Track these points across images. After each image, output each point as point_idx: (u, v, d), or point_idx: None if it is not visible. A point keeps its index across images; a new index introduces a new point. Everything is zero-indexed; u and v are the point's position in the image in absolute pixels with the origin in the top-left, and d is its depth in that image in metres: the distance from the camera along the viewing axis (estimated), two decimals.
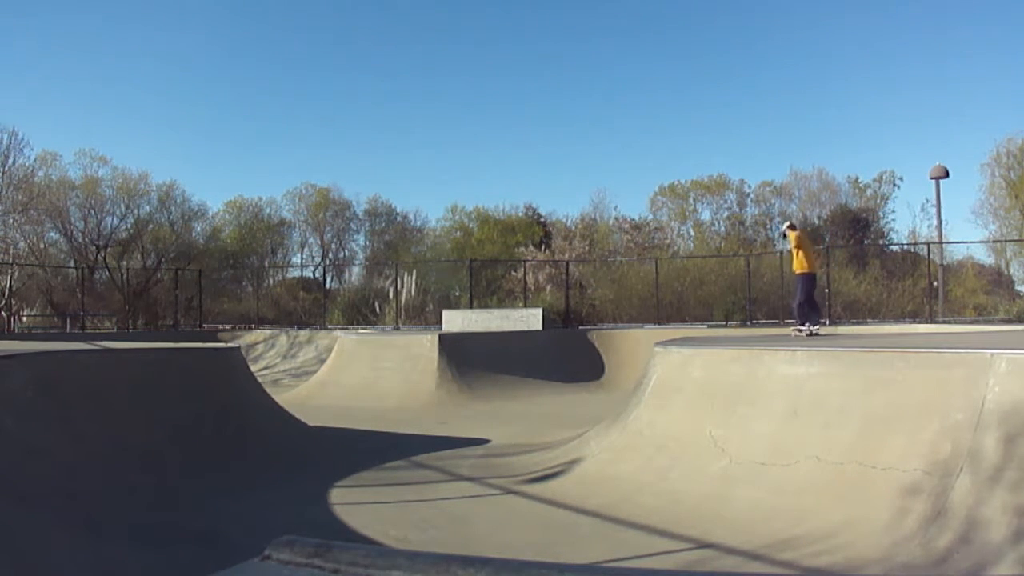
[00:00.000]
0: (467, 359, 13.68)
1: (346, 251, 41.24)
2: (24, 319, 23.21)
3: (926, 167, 27.40)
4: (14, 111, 47.44)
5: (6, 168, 25.21)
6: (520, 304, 21.47)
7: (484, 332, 16.67)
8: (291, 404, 10.08)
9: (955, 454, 4.01)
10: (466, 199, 61.10)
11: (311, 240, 40.83)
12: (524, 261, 25.29)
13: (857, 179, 38.28)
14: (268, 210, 39.47)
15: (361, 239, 41.89)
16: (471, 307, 20.51)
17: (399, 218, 41.57)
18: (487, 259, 28.27)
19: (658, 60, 54.05)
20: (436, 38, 54.66)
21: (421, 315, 22.04)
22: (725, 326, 19.23)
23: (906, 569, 3.57)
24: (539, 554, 4.12)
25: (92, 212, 27.89)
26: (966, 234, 60.85)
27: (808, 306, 11.84)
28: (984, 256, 30.68)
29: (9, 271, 22.60)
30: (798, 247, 11.55)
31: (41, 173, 28.33)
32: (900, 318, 19.11)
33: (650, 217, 38.83)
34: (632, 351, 15.43)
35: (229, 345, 12.21)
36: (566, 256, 26.45)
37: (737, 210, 40.42)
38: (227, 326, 23.56)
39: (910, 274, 22.19)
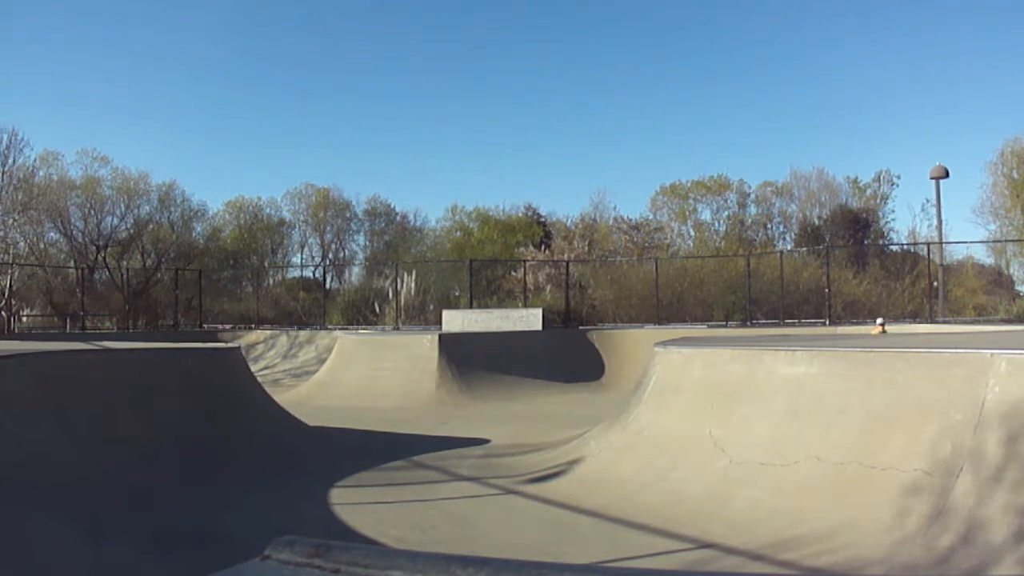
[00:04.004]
0: (467, 359, 13.67)
1: (346, 251, 41.23)
2: (24, 319, 23.20)
3: (926, 167, 27.38)
4: (14, 111, 47.47)
5: (6, 168, 25.24)
6: (520, 304, 21.46)
7: (484, 332, 16.66)
8: (291, 404, 10.08)
9: (955, 454, 4.01)
10: (466, 199, 61.04)
11: (311, 240, 40.81)
12: (524, 261, 25.28)
13: (856, 179, 38.29)
14: (268, 210, 39.46)
15: (361, 239, 41.88)
16: (471, 307, 20.50)
17: (399, 218, 41.56)
18: (487, 259, 28.25)
19: (658, 60, 54.04)
20: (436, 38, 54.65)
21: (421, 315, 22.03)
22: (725, 326, 19.22)
23: (907, 569, 3.56)
24: (539, 554, 4.12)
25: (92, 212, 27.89)
26: (966, 234, 60.85)
27: None
28: (984, 256, 30.68)
29: (9, 271, 22.60)
30: None
31: (41, 173, 28.36)
32: (900, 318, 19.10)
33: (650, 217, 38.83)
34: (632, 351, 15.42)
35: (229, 345, 12.22)
36: (566, 256, 26.44)
37: (737, 210, 40.40)
38: (227, 326, 23.55)
39: (910, 274, 22.19)
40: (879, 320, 15.74)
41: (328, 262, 37.97)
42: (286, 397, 11.53)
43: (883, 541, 3.84)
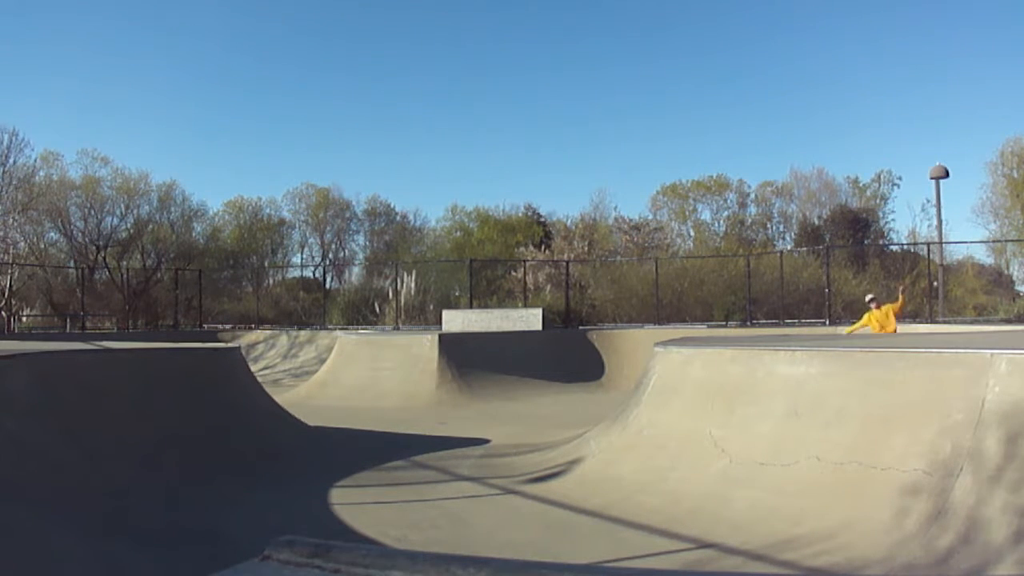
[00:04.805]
0: (467, 359, 13.67)
1: (346, 251, 41.27)
2: (24, 319, 23.21)
3: (926, 167, 27.40)
4: (14, 111, 47.50)
5: (6, 168, 25.24)
6: (520, 304, 21.47)
7: (484, 332, 16.66)
8: (291, 404, 10.08)
9: (955, 454, 4.01)
10: (466, 199, 61.22)
11: (311, 240, 40.86)
12: (524, 261, 25.30)
13: (856, 179, 38.33)
14: (268, 210, 39.51)
15: (361, 239, 41.93)
16: (471, 307, 20.51)
17: (399, 218, 41.61)
18: (487, 259, 28.27)
19: (658, 60, 54.10)
20: (436, 38, 54.71)
21: (421, 315, 22.04)
22: (725, 326, 19.23)
23: (907, 569, 3.56)
24: (539, 554, 4.12)
25: (92, 212, 27.90)
26: (966, 234, 60.93)
27: None
28: (984, 256, 30.70)
29: (9, 271, 22.61)
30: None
31: (42, 173, 28.38)
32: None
33: (650, 217, 38.84)
34: (632, 351, 15.42)
35: (229, 345, 12.21)
36: (566, 256, 26.45)
37: (737, 210, 40.42)
38: (227, 326, 23.56)
39: (910, 274, 22.18)
40: (869, 297, 14.48)
41: (328, 262, 38.00)
42: (286, 397, 11.53)
43: (883, 541, 3.84)
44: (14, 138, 25.27)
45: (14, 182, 25.48)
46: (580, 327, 19.41)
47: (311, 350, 19.31)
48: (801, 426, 4.99)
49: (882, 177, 37.84)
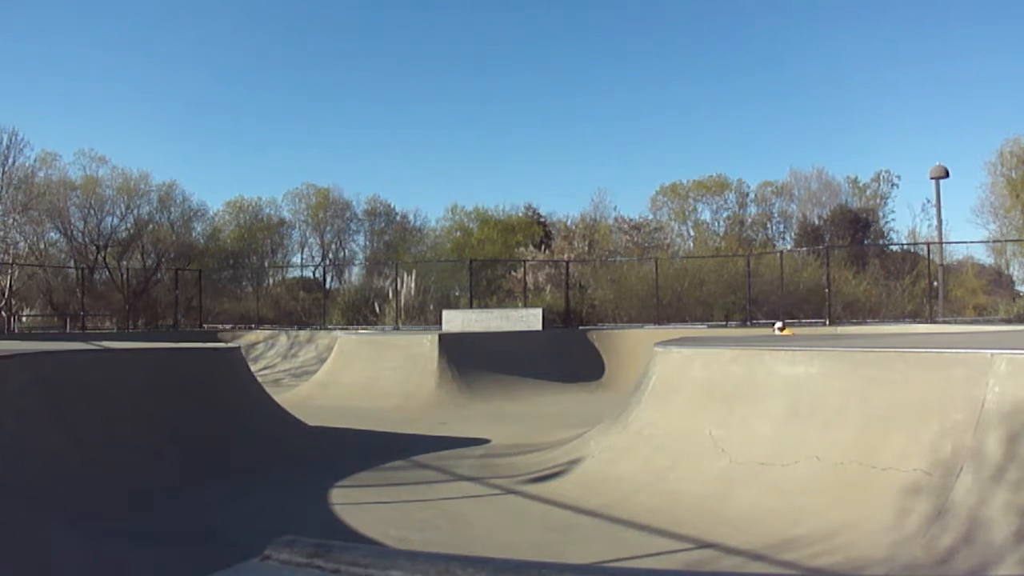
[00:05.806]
0: (467, 359, 13.67)
1: (346, 251, 41.23)
2: (24, 319, 23.21)
3: (926, 167, 27.40)
4: (14, 111, 47.48)
5: (6, 168, 25.23)
6: (520, 304, 21.47)
7: (484, 332, 16.66)
8: (291, 404, 10.08)
9: (956, 454, 4.01)
10: (466, 199, 61.04)
11: (311, 240, 40.82)
12: (524, 261, 25.28)
13: (856, 179, 38.33)
14: (268, 210, 39.48)
15: (361, 239, 41.91)
16: (471, 307, 20.51)
17: (399, 218, 41.58)
18: (487, 259, 28.25)
19: (658, 60, 54.10)
20: (436, 38, 54.69)
21: (421, 315, 22.03)
22: (725, 326, 19.22)
23: (908, 569, 3.56)
24: (539, 554, 4.12)
25: (92, 212, 27.89)
26: (966, 234, 60.91)
27: None
28: (984, 256, 30.66)
29: (9, 271, 22.60)
30: None
31: (41, 173, 28.36)
32: (900, 318, 19.11)
33: (650, 217, 38.82)
34: (632, 351, 15.42)
35: (229, 345, 12.21)
36: (566, 256, 26.44)
37: (737, 210, 40.41)
38: (227, 326, 23.55)
39: (910, 274, 22.17)
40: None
41: (328, 262, 37.98)
42: (286, 397, 11.53)
43: (883, 541, 3.84)
44: (14, 138, 25.29)
45: (14, 182, 25.47)
46: (580, 327, 19.41)
47: (311, 350, 19.31)
48: (801, 426, 4.99)
49: (882, 177, 37.87)
